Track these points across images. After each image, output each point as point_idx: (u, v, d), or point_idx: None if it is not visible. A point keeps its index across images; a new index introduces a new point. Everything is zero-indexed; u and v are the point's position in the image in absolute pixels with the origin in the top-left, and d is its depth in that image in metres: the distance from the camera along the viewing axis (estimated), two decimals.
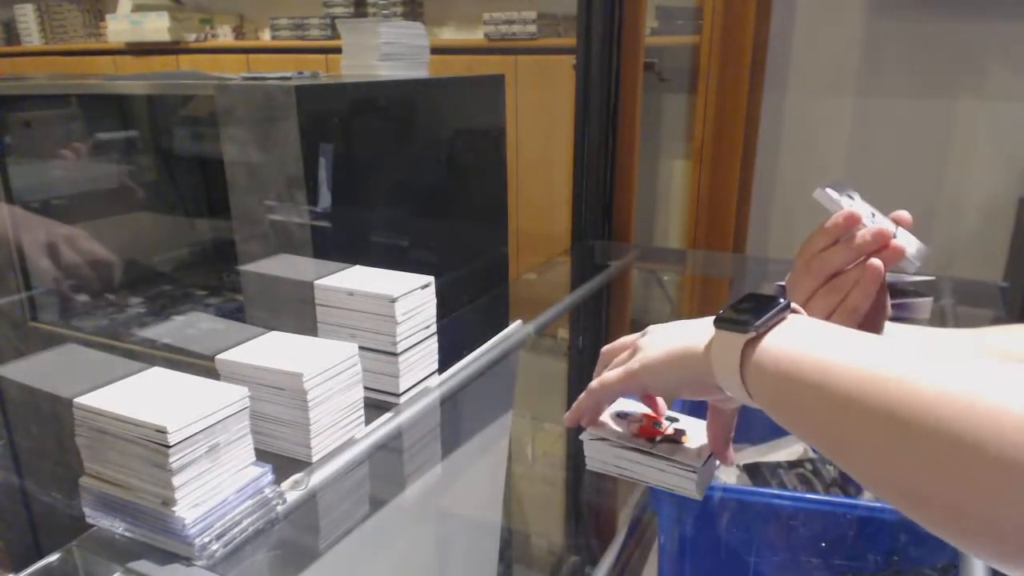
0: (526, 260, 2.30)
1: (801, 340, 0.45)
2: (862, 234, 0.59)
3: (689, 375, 0.51)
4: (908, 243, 0.61)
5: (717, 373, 0.49)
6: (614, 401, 0.59)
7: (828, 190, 0.63)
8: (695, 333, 0.52)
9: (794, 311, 0.49)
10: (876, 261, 0.58)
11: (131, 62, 3.68)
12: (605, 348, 0.61)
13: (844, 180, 0.66)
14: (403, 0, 3.07)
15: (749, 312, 0.47)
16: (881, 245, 0.59)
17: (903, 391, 0.36)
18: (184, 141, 1.84)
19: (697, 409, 0.68)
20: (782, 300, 0.49)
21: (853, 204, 0.63)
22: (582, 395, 0.59)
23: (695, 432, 0.61)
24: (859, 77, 1.88)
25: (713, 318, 0.49)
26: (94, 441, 0.60)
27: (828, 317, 0.59)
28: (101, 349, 1.53)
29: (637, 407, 0.64)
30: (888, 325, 0.65)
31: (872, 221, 0.61)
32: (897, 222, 0.63)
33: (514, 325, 1.13)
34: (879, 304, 0.62)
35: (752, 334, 0.46)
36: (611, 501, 1.48)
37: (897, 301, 0.73)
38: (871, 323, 0.62)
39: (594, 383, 0.58)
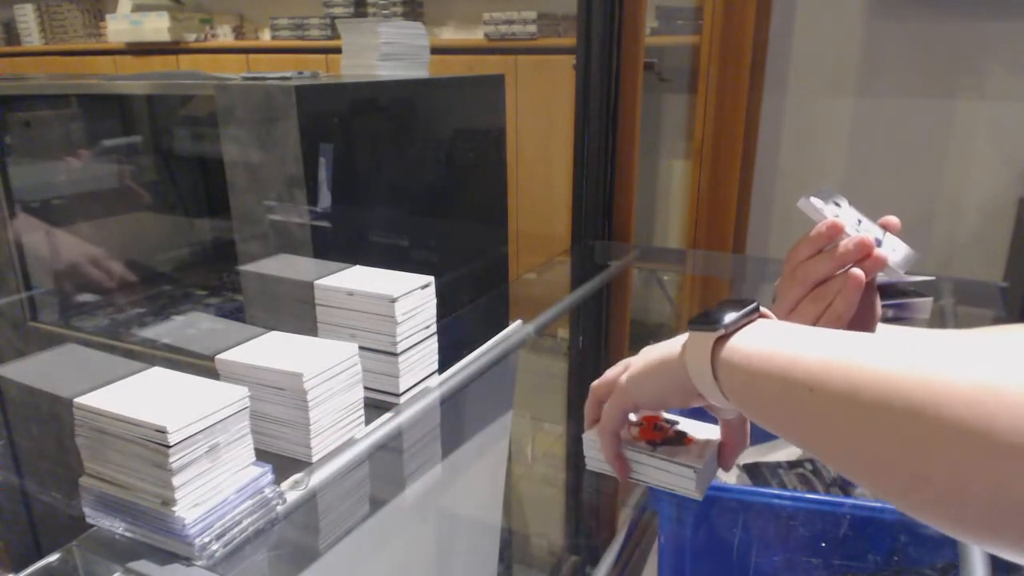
0: (526, 260, 2.31)
1: (769, 338, 0.47)
2: (844, 244, 0.60)
3: (670, 381, 0.54)
4: (895, 249, 0.62)
5: (691, 371, 0.51)
6: (623, 425, 0.60)
7: (812, 199, 0.63)
8: (675, 342, 0.54)
9: (763, 315, 0.52)
10: (857, 271, 0.59)
11: (131, 62, 3.68)
12: (594, 384, 0.62)
13: (829, 187, 0.66)
14: (403, 0, 3.07)
15: (720, 313, 0.50)
16: (863, 254, 0.60)
17: (866, 372, 0.39)
18: (184, 141, 1.84)
19: (697, 411, 0.68)
20: (753, 303, 0.51)
21: (839, 212, 0.63)
22: (602, 443, 0.60)
23: (696, 433, 0.61)
24: (859, 77, 1.88)
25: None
26: (94, 441, 0.60)
27: (814, 323, 0.61)
28: (101, 349, 1.53)
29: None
30: (881, 327, 0.65)
31: (858, 228, 0.61)
32: (886, 227, 0.63)
33: (514, 325, 1.13)
34: (869, 308, 0.62)
35: (721, 332, 0.49)
36: (611, 501, 1.48)
37: (897, 301, 0.73)
38: (861, 327, 0.62)
39: (600, 425, 0.60)
